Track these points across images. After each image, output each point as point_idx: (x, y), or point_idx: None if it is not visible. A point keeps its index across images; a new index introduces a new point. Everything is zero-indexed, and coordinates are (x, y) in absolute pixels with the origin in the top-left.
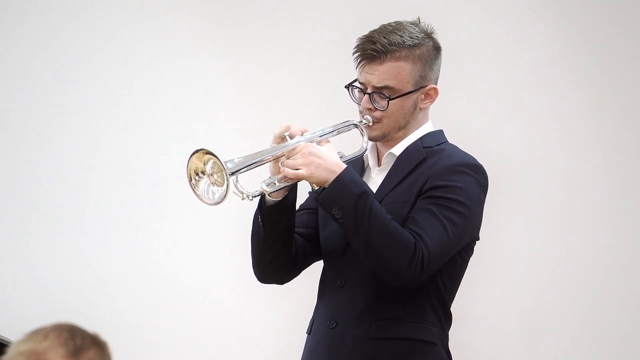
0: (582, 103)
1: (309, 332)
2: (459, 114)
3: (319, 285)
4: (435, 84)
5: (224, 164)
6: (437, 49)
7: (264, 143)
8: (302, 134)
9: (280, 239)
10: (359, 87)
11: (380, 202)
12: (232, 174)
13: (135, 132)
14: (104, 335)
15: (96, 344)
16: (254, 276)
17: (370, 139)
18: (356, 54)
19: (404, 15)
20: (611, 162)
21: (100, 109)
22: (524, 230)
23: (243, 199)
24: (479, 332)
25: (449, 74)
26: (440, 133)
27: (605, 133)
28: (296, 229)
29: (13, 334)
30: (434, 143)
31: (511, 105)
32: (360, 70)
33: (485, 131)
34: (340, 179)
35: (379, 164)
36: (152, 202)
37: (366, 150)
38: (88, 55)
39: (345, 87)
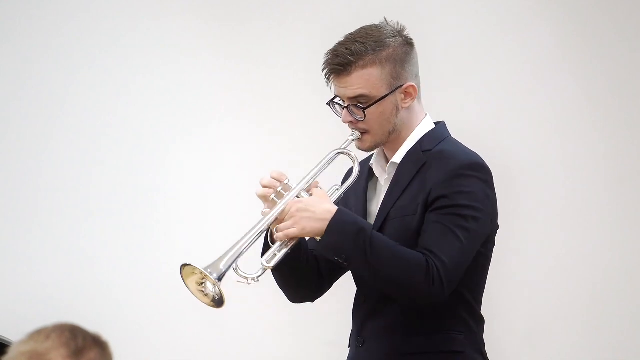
0: (583, 102)
1: (349, 345)
2: (458, 113)
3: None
4: (415, 79)
5: (208, 274)
6: (408, 44)
7: (264, 145)
8: (281, 183)
9: (300, 271)
10: (339, 103)
11: (387, 216)
12: (220, 279)
13: (136, 132)
14: (105, 335)
15: (98, 344)
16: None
17: (364, 151)
18: (324, 70)
19: (406, 15)
20: (612, 161)
21: (100, 109)
22: (523, 230)
23: (249, 283)
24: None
25: (449, 73)
26: (439, 129)
27: (606, 132)
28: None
29: (14, 334)
30: (433, 144)
31: (510, 104)
32: (332, 85)
33: (486, 130)
34: (332, 225)
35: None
36: (153, 203)
37: (358, 175)
38: (88, 56)
39: (327, 104)
